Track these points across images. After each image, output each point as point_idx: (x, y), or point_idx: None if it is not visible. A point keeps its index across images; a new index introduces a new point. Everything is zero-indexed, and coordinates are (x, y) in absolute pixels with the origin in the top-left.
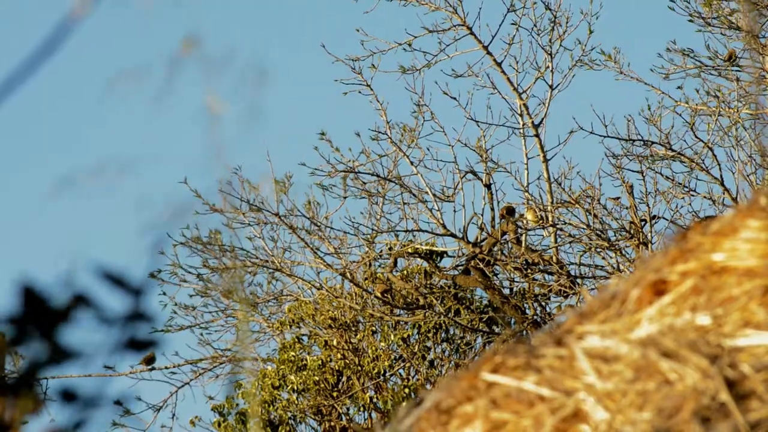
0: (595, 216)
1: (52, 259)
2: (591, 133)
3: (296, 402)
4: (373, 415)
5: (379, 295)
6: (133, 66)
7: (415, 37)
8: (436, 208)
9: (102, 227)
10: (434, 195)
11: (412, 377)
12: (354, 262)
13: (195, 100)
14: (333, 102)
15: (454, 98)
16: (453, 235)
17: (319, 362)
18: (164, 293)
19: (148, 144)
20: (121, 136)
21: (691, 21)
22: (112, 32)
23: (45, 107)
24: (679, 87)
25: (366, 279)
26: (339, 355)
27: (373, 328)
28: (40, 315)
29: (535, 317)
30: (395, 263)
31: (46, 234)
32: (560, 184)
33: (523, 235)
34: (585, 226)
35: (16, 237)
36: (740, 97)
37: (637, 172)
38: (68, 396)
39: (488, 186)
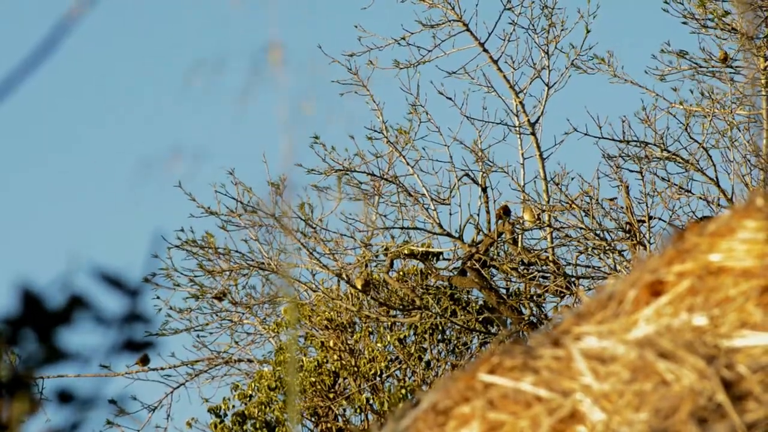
0: (592, 216)
1: (52, 258)
2: (586, 134)
3: (293, 404)
4: (370, 416)
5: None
6: (212, 59)
7: (412, 33)
8: (432, 208)
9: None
10: (431, 198)
11: (409, 378)
12: (350, 264)
13: (275, 100)
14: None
15: (450, 98)
16: (449, 235)
17: (316, 363)
18: (158, 297)
19: (224, 139)
20: (198, 127)
21: (685, 23)
22: (194, 23)
23: (122, 94)
24: (674, 89)
25: (358, 277)
26: (335, 357)
27: (370, 329)
28: (38, 316)
29: (531, 318)
30: (391, 264)
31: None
32: (557, 184)
33: (520, 235)
34: (582, 227)
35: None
36: (735, 98)
37: (636, 172)
38: (65, 397)
39: (484, 189)
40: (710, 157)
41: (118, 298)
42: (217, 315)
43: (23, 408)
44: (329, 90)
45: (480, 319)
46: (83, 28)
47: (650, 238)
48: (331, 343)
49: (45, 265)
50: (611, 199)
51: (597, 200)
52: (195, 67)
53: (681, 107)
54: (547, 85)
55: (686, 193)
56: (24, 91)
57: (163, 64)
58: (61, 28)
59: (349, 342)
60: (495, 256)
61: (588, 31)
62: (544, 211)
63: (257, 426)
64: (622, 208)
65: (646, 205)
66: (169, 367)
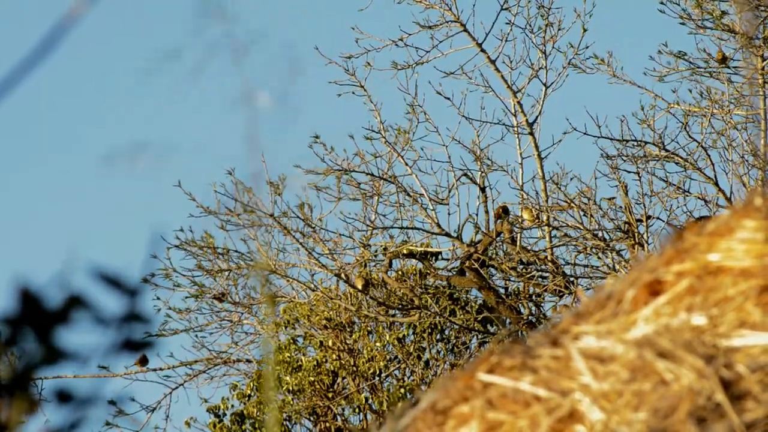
0: (591, 216)
1: (52, 258)
2: (584, 134)
3: (291, 403)
4: (369, 415)
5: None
6: (167, 48)
7: (409, 34)
8: (431, 208)
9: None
10: (429, 198)
11: (408, 378)
12: (349, 263)
13: (229, 87)
14: (327, 102)
15: (448, 98)
16: (448, 235)
17: (315, 363)
18: (158, 297)
19: (183, 130)
20: (155, 120)
21: (683, 24)
22: (145, 13)
23: (73, 91)
24: (674, 90)
25: (358, 277)
26: (334, 356)
27: (368, 328)
28: (36, 316)
29: (530, 317)
30: (390, 264)
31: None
32: (556, 184)
33: (518, 235)
34: (580, 227)
35: (19, 233)
36: (733, 98)
37: (633, 172)
38: (63, 397)
39: (482, 188)
40: (709, 156)
41: (116, 298)
42: (216, 315)
43: (22, 408)
44: (280, 81)
45: (479, 318)
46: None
47: (648, 237)
48: (330, 343)
49: (44, 264)
50: (610, 199)
51: (594, 200)
52: (153, 59)
53: (679, 107)
54: (544, 84)
55: (684, 193)
56: (23, 90)
57: (121, 60)
58: (60, 28)
59: (347, 341)
60: (494, 256)
61: (585, 31)
62: (542, 210)
63: (256, 425)
64: (620, 207)
65: (643, 206)
66: (168, 368)
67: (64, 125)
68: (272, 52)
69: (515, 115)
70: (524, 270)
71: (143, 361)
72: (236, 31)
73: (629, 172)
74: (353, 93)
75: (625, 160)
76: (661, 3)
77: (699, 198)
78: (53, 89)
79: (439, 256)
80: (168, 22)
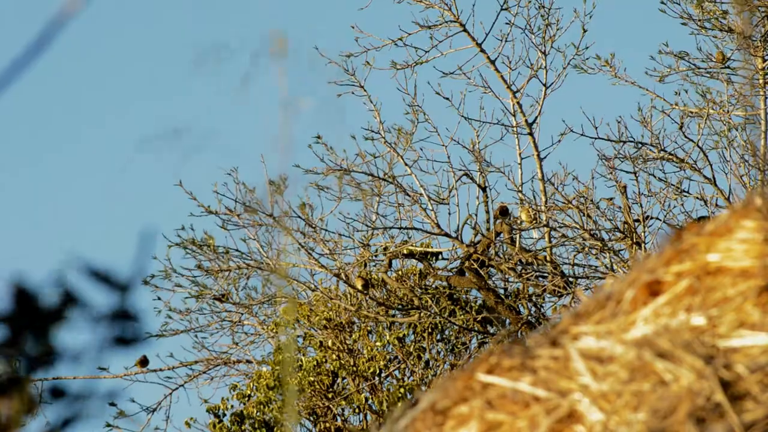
0: (589, 216)
1: (51, 257)
2: (582, 135)
3: (291, 403)
4: (369, 416)
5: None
6: (217, 46)
7: (409, 34)
8: (431, 208)
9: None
10: (429, 197)
11: (408, 378)
12: (349, 263)
13: (273, 89)
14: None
15: (447, 98)
16: (447, 235)
17: (314, 363)
18: (159, 298)
19: (227, 123)
20: (196, 114)
21: (684, 24)
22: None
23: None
24: (676, 93)
25: (358, 276)
26: (334, 356)
27: (368, 328)
28: (32, 314)
29: (529, 318)
30: (390, 264)
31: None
32: (554, 185)
33: (518, 235)
34: (579, 227)
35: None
36: (733, 98)
37: (631, 173)
38: (57, 393)
39: (483, 188)
40: (706, 156)
41: (107, 295)
42: (217, 316)
43: (21, 408)
44: (326, 86)
45: (478, 318)
46: (79, 25)
47: (646, 238)
48: (330, 343)
49: (39, 262)
50: (609, 199)
51: (592, 200)
52: (201, 55)
53: (679, 108)
54: (544, 85)
55: (683, 193)
56: (23, 87)
57: (167, 54)
58: (53, 26)
59: (347, 342)
60: (493, 256)
61: (585, 31)
62: (541, 211)
63: (256, 426)
64: (619, 208)
65: (640, 205)
66: (168, 369)
67: (61, 123)
68: (321, 59)
69: (514, 116)
70: (524, 270)
71: (143, 362)
72: (284, 34)
73: (627, 172)
74: (353, 93)
75: (622, 161)
76: (662, 3)
77: (698, 198)
78: (51, 86)
79: (439, 257)
80: (218, 16)
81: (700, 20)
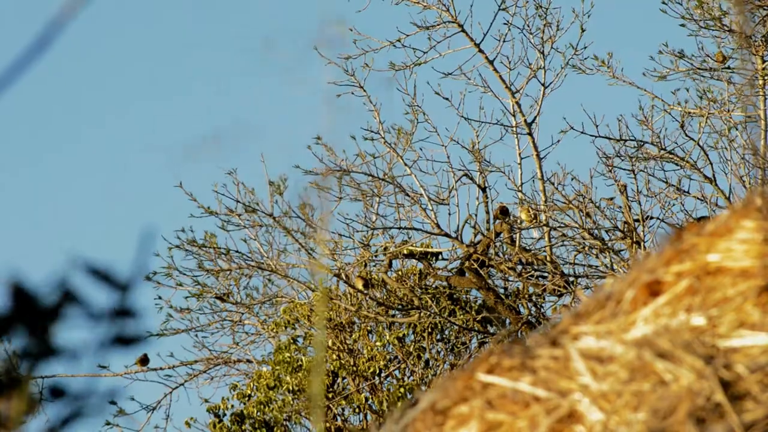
0: (588, 216)
1: (51, 255)
2: (582, 132)
3: (291, 403)
4: (369, 416)
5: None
6: (269, 37)
7: (407, 35)
8: (430, 208)
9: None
10: (429, 198)
11: (408, 378)
12: (349, 263)
13: (321, 82)
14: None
15: (447, 98)
16: (447, 235)
17: (314, 363)
18: (159, 297)
19: (271, 116)
20: (249, 105)
21: (683, 26)
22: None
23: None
24: (673, 92)
25: (358, 276)
26: (334, 356)
27: (368, 328)
28: (30, 313)
29: (529, 317)
30: (390, 264)
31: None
32: (553, 184)
33: (517, 235)
34: (578, 227)
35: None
36: (734, 98)
37: (630, 171)
38: (56, 392)
39: (483, 188)
40: (707, 156)
41: (107, 293)
42: (218, 315)
43: (20, 407)
44: (368, 83)
45: (478, 318)
46: (79, 25)
47: (645, 237)
48: (330, 343)
49: (39, 262)
50: (609, 199)
51: (591, 200)
52: (265, 45)
53: (679, 108)
54: (543, 85)
55: (683, 193)
56: (23, 87)
57: (168, 54)
58: (53, 26)
59: (347, 341)
60: (493, 256)
61: (583, 31)
62: (541, 210)
63: (256, 426)
64: (619, 207)
65: (639, 204)
66: (169, 368)
67: (61, 123)
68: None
69: (514, 116)
70: (524, 270)
71: (144, 361)
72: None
73: (626, 170)
74: (352, 93)
75: (623, 160)
76: (663, 2)
77: (697, 198)
78: (57, 83)
79: (439, 257)
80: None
81: (700, 20)
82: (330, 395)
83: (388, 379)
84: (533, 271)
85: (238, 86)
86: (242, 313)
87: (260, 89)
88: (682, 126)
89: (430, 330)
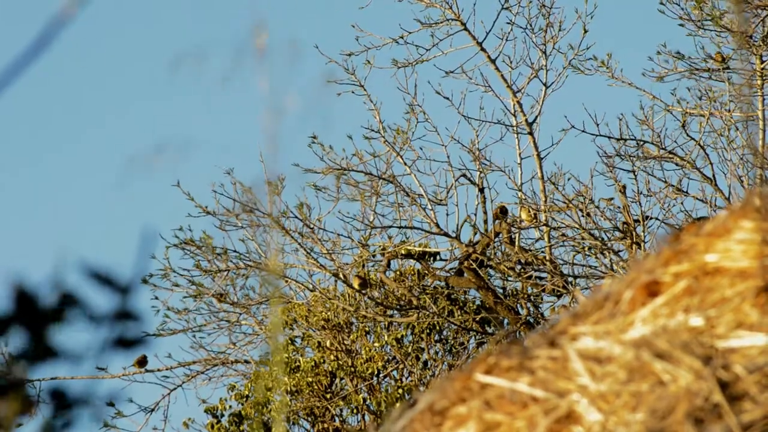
0: (588, 215)
1: (49, 257)
2: (583, 131)
3: (289, 403)
4: (367, 416)
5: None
6: (195, 48)
7: (409, 33)
8: (430, 208)
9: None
10: (428, 198)
11: (406, 378)
12: (347, 263)
13: (255, 89)
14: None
15: (447, 98)
16: (446, 235)
17: (312, 364)
18: (156, 297)
19: (209, 128)
20: (182, 119)
21: (681, 25)
22: (174, 12)
23: (101, 85)
24: (672, 92)
25: (355, 276)
26: (332, 357)
27: (367, 329)
28: (30, 315)
29: (528, 318)
30: (388, 264)
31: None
32: (554, 184)
33: (517, 235)
34: (578, 227)
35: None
36: (733, 98)
37: (630, 171)
38: (56, 395)
39: (481, 188)
40: (707, 155)
41: (108, 296)
42: (215, 316)
43: (16, 408)
44: (310, 83)
45: (477, 319)
46: (79, 25)
47: (645, 237)
48: (328, 343)
49: (37, 263)
50: (609, 200)
51: (591, 200)
52: (179, 58)
53: (678, 109)
54: (544, 84)
55: (682, 193)
56: (23, 87)
57: (149, 57)
58: (52, 28)
59: (345, 342)
60: (492, 256)
61: (586, 32)
62: (540, 210)
63: (254, 426)
64: (618, 208)
65: (639, 204)
66: (167, 369)
67: (54, 125)
68: (304, 56)
69: (515, 115)
70: (522, 270)
71: (142, 362)
72: (265, 34)
73: (626, 170)
74: (353, 92)
75: (622, 159)
76: (661, 3)
77: (697, 198)
78: (42, 89)
79: (438, 257)
80: (192, 20)
81: (698, 21)
82: (328, 396)
83: (386, 379)
84: (532, 272)
85: (172, 103)
86: (239, 314)
87: (196, 104)
88: (683, 126)
89: (428, 330)
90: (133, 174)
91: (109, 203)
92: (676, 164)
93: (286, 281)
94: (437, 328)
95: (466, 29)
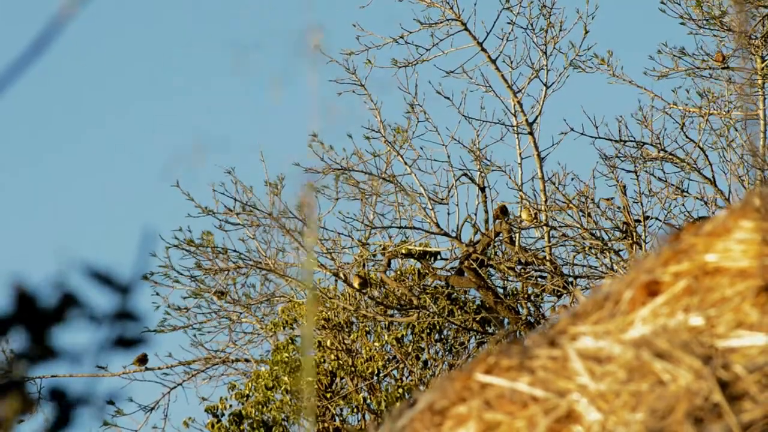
0: (589, 216)
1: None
2: (582, 134)
3: (290, 403)
4: (367, 416)
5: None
6: (251, 45)
7: (410, 32)
8: (430, 207)
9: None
10: (428, 198)
11: (406, 378)
12: (347, 263)
13: (305, 88)
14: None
15: (448, 98)
16: (447, 235)
17: (313, 363)
18: (157, 293)
19: (257, 125)
20: (232, 115)
21: (682, 24)
22: (174, 11)
23: (155, 81)
24: (673, 90)
25: (356, 275)
26: (332, 356)
27: (367, 328)
28: (31, 315)
29: (528, 318)
30: (389, 264)
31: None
32: (554, 184)
33: (517, 235)
34: (578, 226)
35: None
36: (734, 98)
37: (631, 172)
38: (56, 394)
39: (482, 188)
40: (707, 156)
41: (108, 296)
42: (215, 314)
43: (17, 407)
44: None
45: (477, 318)
46: (79, 25)
47: (646, 237)
48: (328, 343)
49: (37, 263)
50: (609, 199)
51: (592, 200)
52: (238, 52)
53: (678, 108)
54: (545, 85)
55: (682, 193)
56: (23, 87)
57: (149, 57)
58: (53, 26)
59: (346, 341)
60: (492, 256)
61: (586, 32)
62: (541, 210)
63: (254, 426)
64: (619, 208)
65: (640, 204)
66: (167, 367)
67: (61, 124)
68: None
69: (515, 115)
70: (523, 270)
71: (142, 360)
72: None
73: (628, 171)
74: (353, 92)
75: (623, 160)
76: (662, 2)
77: (697, 198)
78: (66, 84)
79: (438, 256)
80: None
81: (699, 20)
82: (328, 395)
83: (386, 379)
84: (532, 271)
85: (220, 92)
86: (240, 312)
87: (245, 96)
88: (682, 127)
89: (428, 330)
90: (174, 171)
91: (111, 204)
92: (676, 165)
93: (287, 280)
94: (437, 327)
95: (466, 29)
